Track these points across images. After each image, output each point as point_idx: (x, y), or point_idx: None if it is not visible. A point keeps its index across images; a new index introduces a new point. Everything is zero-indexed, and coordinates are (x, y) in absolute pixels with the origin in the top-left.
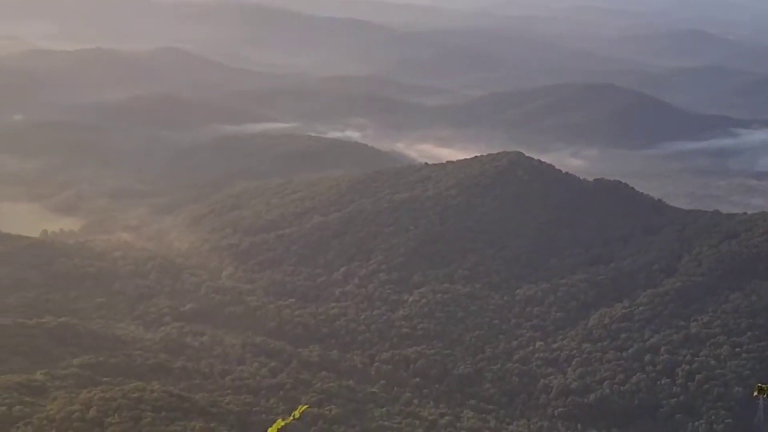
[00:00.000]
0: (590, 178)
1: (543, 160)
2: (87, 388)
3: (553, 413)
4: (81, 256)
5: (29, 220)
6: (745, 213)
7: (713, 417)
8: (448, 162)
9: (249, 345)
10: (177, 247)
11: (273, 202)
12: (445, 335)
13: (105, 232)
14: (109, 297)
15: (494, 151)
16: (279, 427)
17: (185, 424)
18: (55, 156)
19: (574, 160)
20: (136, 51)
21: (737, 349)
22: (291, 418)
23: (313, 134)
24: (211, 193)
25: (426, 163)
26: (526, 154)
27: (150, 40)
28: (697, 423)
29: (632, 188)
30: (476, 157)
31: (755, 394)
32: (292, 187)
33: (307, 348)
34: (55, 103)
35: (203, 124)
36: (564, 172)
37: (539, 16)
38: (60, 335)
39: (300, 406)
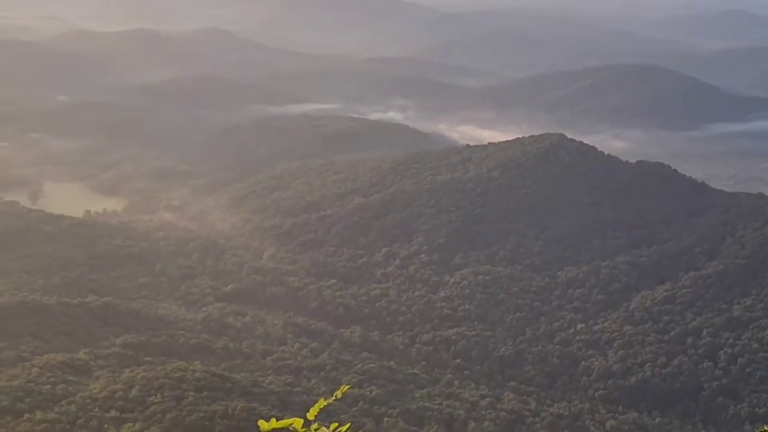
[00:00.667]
0: (633, 160)
1: (585, 141)
2: (129, 367)
3: (593, 395)
4: (124, 236)
5: (73, 201)
6: None
7: (755, 400)
8: (489, 143)
9: (290, 325)
10: (219, 228)
11: (315, 183)
12: (486, 317)
13: (147, 213)
14: (151, 277)
15: (536, 133)
16: (321, 407)
17: (227, 404)
18: (98, 136)
19: (616, 142)
20: (178, 32)
21: None
22: (333, 398)
23: (355, 115)
24: (252, 174)
25: (468, 145)
26: (569, 136)
27: (192, 21)
28: (739, 406)
29: (675, 170)
30: (518, 138)
31: None
32: (334, 168)
33: (348, 329)
34: (99, 84)
35: (245, 104)
36: (606, 154)
37: None
38: (103, 315)
39: (342, 387)
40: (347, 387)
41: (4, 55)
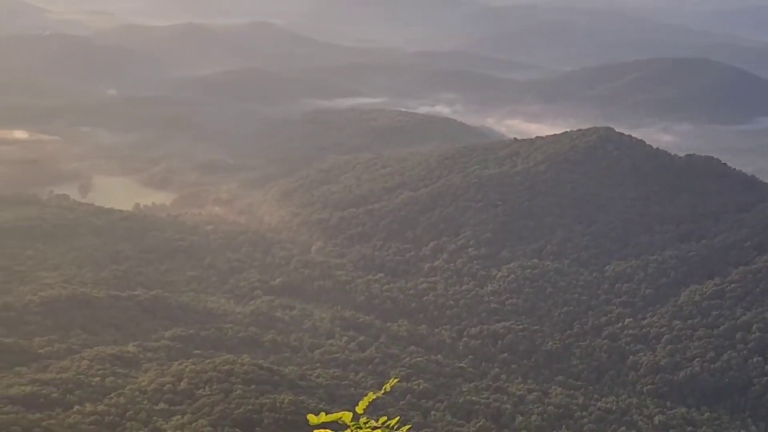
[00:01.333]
0: (682, 154)
1: (634, 135)
2: (178, 360)
3: (642, 390)
4: (173, 229)
5: (122, 194)
6: None
7: None
8: (537, 137)
9: (338, 319)
10: (267, 221)
11: (363, 176)
12: (534, 311)
13: (196, 206)
14: (200, 270)
15: (584, 127)
16: (370, 400)
17: (275, 397)
18: (147, 130)
19: (665, 136)
20: (227, 26)
21: None
22: (382, 391)
23: (403, 109)
24: (301, 168)
25: (515, 139)
26: (617, 130)
27: (240, 15)
28: None
29: (724, 164)
30: (566, 132)
31: None
32: (382, 162)
33: (395, 322)
34: (148, 78)
35: (294, 98)
36: (655, 147)
37: None
38: (152, 308)
39: (390, 380)
40: (396, 380)
41: (55, 50)
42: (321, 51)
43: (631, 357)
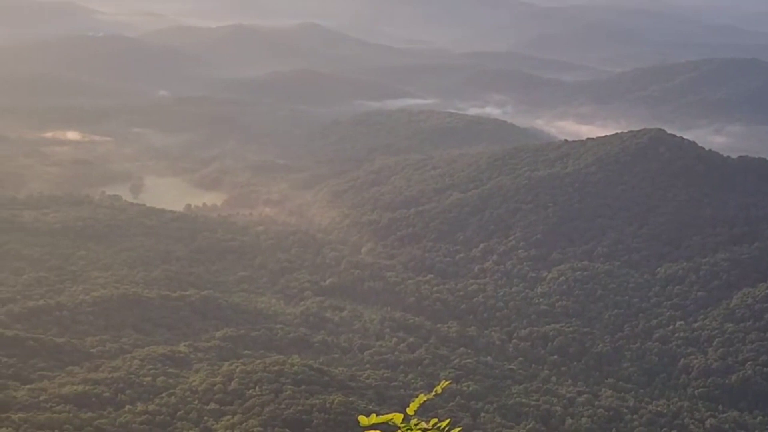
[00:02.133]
0: (734, 156)
1: (685, 137)
2: (228, 360)
3: (693, 393)
4: (224, 230)
5: (174, 195)
6: None
7: None
8: (588, 139)
9: (388, 320)
10: (318, 222)
11: (413, 178)
12: (584, 313)
13: (247, 207)
14: (251, 271)
15: (635, 128)
16: (421, 402)
17: (324, 398)
18: (198, 131)
19: (717, 137)
20: (277, 27)
21: None
22: (433, 393)
23: (452, 110)
24: (351, 169)
25: (565, 140)
26: (668, 131)
27: (291, 16)
28: None
29: None
30: (617, 134)
31: None
32: (432, 163)
33: (445, 324)
34: (199, 79)
35: (344, 99)
36: (707, 149)
37: None
38: (203, 308)
39: (442, 382)
40: (447, 383)
41: (107, 51)
42: (371, 52)
43: (682, 360)
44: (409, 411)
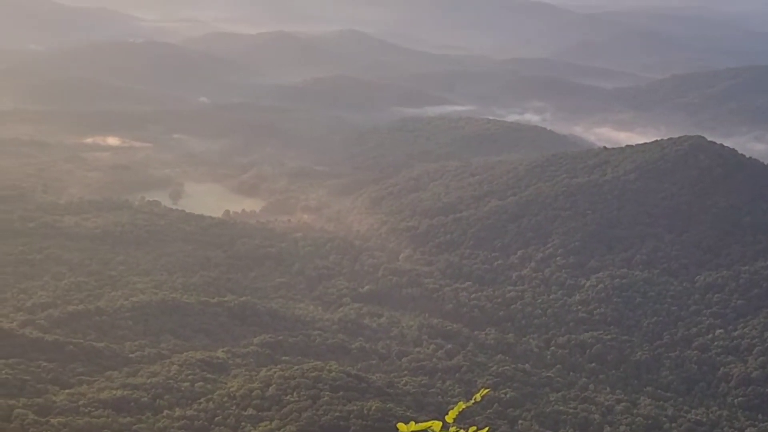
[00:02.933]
0: None
1: (725, 144)
2: (266, 366)
3: (733, 402)
4: (262, 236)
5: (213, 201)
6: None
7: None
8: (627, 146)
9: (426, 327)
10: (356, 229)
11: (451, 184)
12: (623, 321)
13: (285, 213)
14: (289, 277)
15: (675, 135)
16: (460, 410)
17: (362, 404)
18: (237, 137)
19: (758, 144)
20: (316, 33)
21: None
22: (472, 401)
23: (491, 117)
24: (390, 175)
25: (605, 147)
26: (708, 138)
27: (330, 23)
28: None
29: None
30: (656, 141)
31: None
32: (471, 170)
33: (483, 331)
34: (238, 85)
35: (383, 106)
36: (747, 156)
37: None
38: (241, 314)
39: (481, 390)
40: (486, 391)
41: (148, 57)
42: (410, 59)
43: (721, 368)
44: (449, 419)
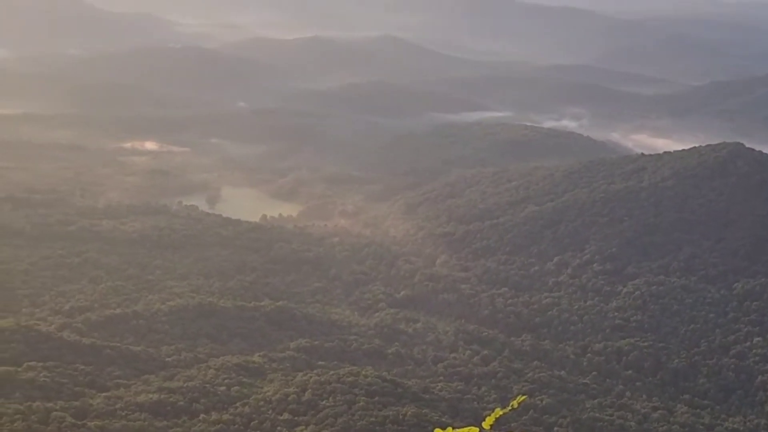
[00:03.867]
0: None
1: (764, 150)
2: (302, 371)
3: None
4: (299, 241)
5: (250, 205)
6: None
7: None
8: (665, 152)
9: (462, 332)
10: (392, 234)
11: (488, 190)
12: (659, 328)
13: (322, 218)
14: (325, 282)
15: (713, 142)
16: (497, 416)
17: (398, 410)
18: (274, 142)
19: None
20: (353, 39)
21: None
22: (509, 408)
23: (528, 123)
24: (426, 181)
25: (642, 154)
26: (747, 145)
27: (367, 28)
28: None
29: None
30: (694, 147)
31: None
32: (507, 176)
33: (519, 337)
34: (276, 90)
35: (419, 111)
36: None
37: (760, 2)
38: (278, 319)
39: (518, 396)
40: (523, 397)
41: (186, 62)
42: (447, 64)
43: (759, 377)
44: (485, 425)
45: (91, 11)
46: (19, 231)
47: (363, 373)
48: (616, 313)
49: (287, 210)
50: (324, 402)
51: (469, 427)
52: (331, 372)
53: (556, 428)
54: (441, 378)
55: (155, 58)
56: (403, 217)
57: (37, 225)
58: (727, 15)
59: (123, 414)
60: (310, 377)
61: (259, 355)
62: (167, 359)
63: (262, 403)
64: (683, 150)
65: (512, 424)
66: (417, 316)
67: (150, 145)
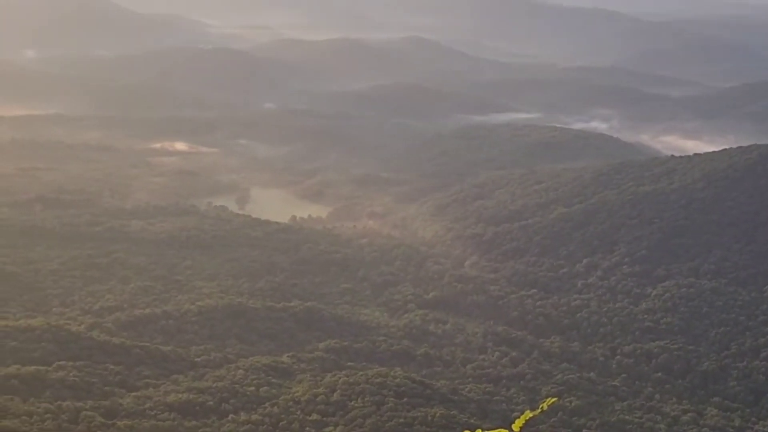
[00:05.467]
0: None
1: None
2: (331, 371)
3: None
4: (327, 242)
5: (279, 206)
6: None
7: None
8: (694, 154)
9: (491, 334)
10: (421, 235)
11: (516, 192)
12: (689, 330)
13: (351, 219)
14: (354, 283)
15: (744, 144)
16: (527, 418)
17: (426, 411)
18: (303, 143)
19: None
20: (381, 40)
21: None
22: (539, 410)
23: (557, 125)
24: (455, 182)
25: (672, 155)
26: None
27: (395, 30)
28: None
29: None
30: (724, 149)
31: None
32: (536, 177)
33: (548, 339)
34: (304, 92)
35: (447, 113)
36: None
37: None
38: (306, 319)
39: (548, 399)
40: (553, 400)
41: (215, 63)
42: (475, 66)
43: None
44: (515, 427)
45: (120, 12)
46: (49, 231)
47: (392, 374)
48: (645, 315)
49: (316, 211)
50: (353, 403)
51: (498, 429)
52: (360, 373)
53: (584, 430)
54: (470, 379)
55: (184, 59)
56: (431, 219)
57: (66, 225)
58: (756, 17)
59: (152, 414)
60: (339, 378)
61: (288, 356)
62: (196, 359)
63: (290, 403)
64: (713, 152)
65: (541, 426)
66: (446, 317)
67: (179, 146)
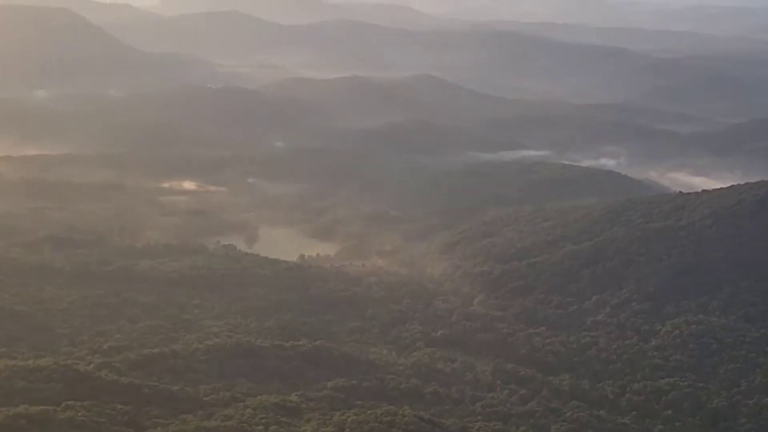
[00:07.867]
0: None
1: None
2: (340, 410)
3: None
4: (336, 280)
5: (288, 245)
6: None
7: None
8: (703, 191)
9: (500, 372)
10: (430, 273)
11: (525, 229)
12: (699, 367)
13: (360, 257)
14: (362, 321)
15: (752, 180)
16: None
17: None
18: (313, 181)
19: None
20: (392, 78)
21: None
22: None
23: (566, 162)
24: (463, 220)
25: (680, 192)
26: None
27: (405, 68)
28: None
29: None
30: (733, 186)
31: None
32: (544, 215)
33: (557, 376)
34: (314, 130)
35: (457, 150)
36: None
37: None
38: (315, 358)
39: None
40: None
41: (225, 102)
42: (485, 103)
43: None
44: None
45: (130, 52)
46: (59, 270)
47: (401, 412)
48: (655, 353)
49: (325, 249)
50: None
51: None
52: (369, 411)
53: None
54: (479, 417)
55: (195, 98)
56: (440, 257)
57: (76, 265)
58: (764, 53)
59: None
60: (348, 417)
61: (297, 395)
62: (205, 398)
63: None
64: (722, 188)
65: None
66: (454, 355)
67: (188, 185)
